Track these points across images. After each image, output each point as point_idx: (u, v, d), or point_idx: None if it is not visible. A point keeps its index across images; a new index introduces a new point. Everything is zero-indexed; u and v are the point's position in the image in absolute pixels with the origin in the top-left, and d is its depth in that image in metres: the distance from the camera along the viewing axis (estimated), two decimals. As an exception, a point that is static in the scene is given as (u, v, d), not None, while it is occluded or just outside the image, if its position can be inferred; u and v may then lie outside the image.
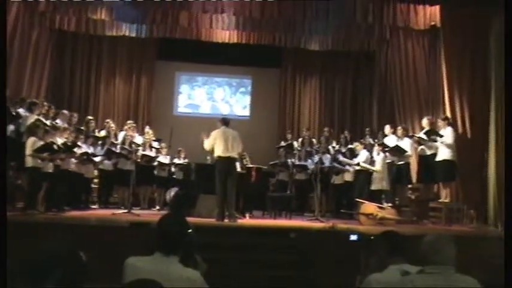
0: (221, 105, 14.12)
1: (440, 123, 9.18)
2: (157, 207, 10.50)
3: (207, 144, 8.23)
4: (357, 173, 9.78)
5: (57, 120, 9.34)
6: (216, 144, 8.11)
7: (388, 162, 9.52)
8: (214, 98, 14.13)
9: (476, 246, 6.32)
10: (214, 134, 8.19)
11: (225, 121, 8.38)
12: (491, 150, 8.81)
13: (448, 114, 9.29)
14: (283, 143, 11.74)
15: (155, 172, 10.63)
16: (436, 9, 9.69)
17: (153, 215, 9.07)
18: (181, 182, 10.54)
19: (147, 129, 11.15)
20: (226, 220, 7.92)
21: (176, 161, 10.87)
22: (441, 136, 8.88)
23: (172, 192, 9.94)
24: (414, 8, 9.85)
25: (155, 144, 10.77)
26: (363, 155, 9.75)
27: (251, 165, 9.61)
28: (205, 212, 8.48)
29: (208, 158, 10.02)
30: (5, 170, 5.84)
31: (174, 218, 2.86)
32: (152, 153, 10.53)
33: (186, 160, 10.92)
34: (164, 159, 10.64)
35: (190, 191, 9.41)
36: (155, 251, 2.59)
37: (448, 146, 8.85)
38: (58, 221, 7.22)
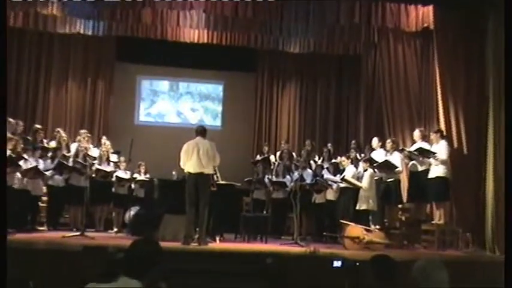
0: (189, 113, 14.13)
1: (433, 136, 9.32)
2: (115, 229, 10.38)
3: (181, 157, 8.22)
4: (341, 191, 9.87)
5: (0, 129, 9.21)
6: (187, 158, 8.13)
7: (376, 179, 9.63)
8: (180, 106, 14.13)
9: (471, 273, 6.43)
10: (186, 146, 8.20)
11: (199, 131, 8.35)
12: (489, 166, 8.94)
13: (442, 126, 9.42)
14: (259, 157, 11.79)
15: (113, 189, 10.56)
16: (429, 9, 9.83)
17: (109, 238, 9.01)
18: (142, 200, 10.48)
19: (103, 140, 11.05)
20: (193, 244, 7.90)
21: (137, 176, 10.81)
22: (434, 154, 9.01)
23: (132, 212, 9.87)
24: (405, 9, 9.98)
25: (113, 157, 10.69)
26: (349, 170, 9.85)
27: (222, 182, 9.61)
28: (170, 235, 8.45)
29: (174, 173, 9.99)
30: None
31: (147, 242, 2.96)
32: (109, 168, 10.45)
33: (148, 176, 10.86)
34: (123, 174, 10.57)
35: (153, 210, 9.35)
36: (120, 276, 2.66)
37: (442, 161, 8.99)
38: (0, 244, 7.09)
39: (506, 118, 6.44)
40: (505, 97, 6.96)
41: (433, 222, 9.35)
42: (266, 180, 10.81)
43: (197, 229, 8.12)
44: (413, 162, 9.46)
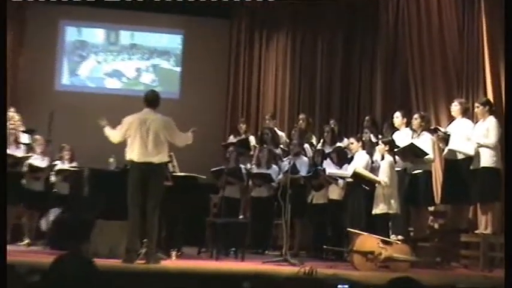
0: (133, 75, 14.04)
1: (478, 109, 9.30)
2: (27, 241, 10.39)
3: (114, 135, 8.13)
4: (350, 186, 9.88)
5: None
6: (129, 139, 8.03)
7: (399, 171, 9.64)
8: (121, 64, 14.08)
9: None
10: (128, 121, 8.07)
11: (150, 99, 8.20)
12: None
13: (491, 96, 9.46)
14: (232, 139, 11.77)
15: (24, 183, 10.50)
16: None
17: (19, 252, 8.92)
18: (66, 199, 10.40)
19: (11, 113, 10.94)
20: (139, 261, 7.86)
21: (59, 165, 10.76)
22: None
23: (51, 216, 9.80)
24: None
25: (24, 137, 10.63)
26: (360, 158, 9.85)
27: (181, 174, 9.57)
28: (105, 248, 8.42)
29: (111, 160, 9.91)
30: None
31: (75, 259, 2.91)
32: (19, 153, 10.39)
33: (75, 164, 10.80)
34: (39, 161, 10.53)
35: (82, 214, 9.30)
36: None
37: (490, 146, 9.00)
38: None
39: (506, 118, 6.56)
40: (505, 96, 7.04)
41: (477, 231, 9.40)
42: (243, 171, 10.77)
43: (144, 240, 8.08)
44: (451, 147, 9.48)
